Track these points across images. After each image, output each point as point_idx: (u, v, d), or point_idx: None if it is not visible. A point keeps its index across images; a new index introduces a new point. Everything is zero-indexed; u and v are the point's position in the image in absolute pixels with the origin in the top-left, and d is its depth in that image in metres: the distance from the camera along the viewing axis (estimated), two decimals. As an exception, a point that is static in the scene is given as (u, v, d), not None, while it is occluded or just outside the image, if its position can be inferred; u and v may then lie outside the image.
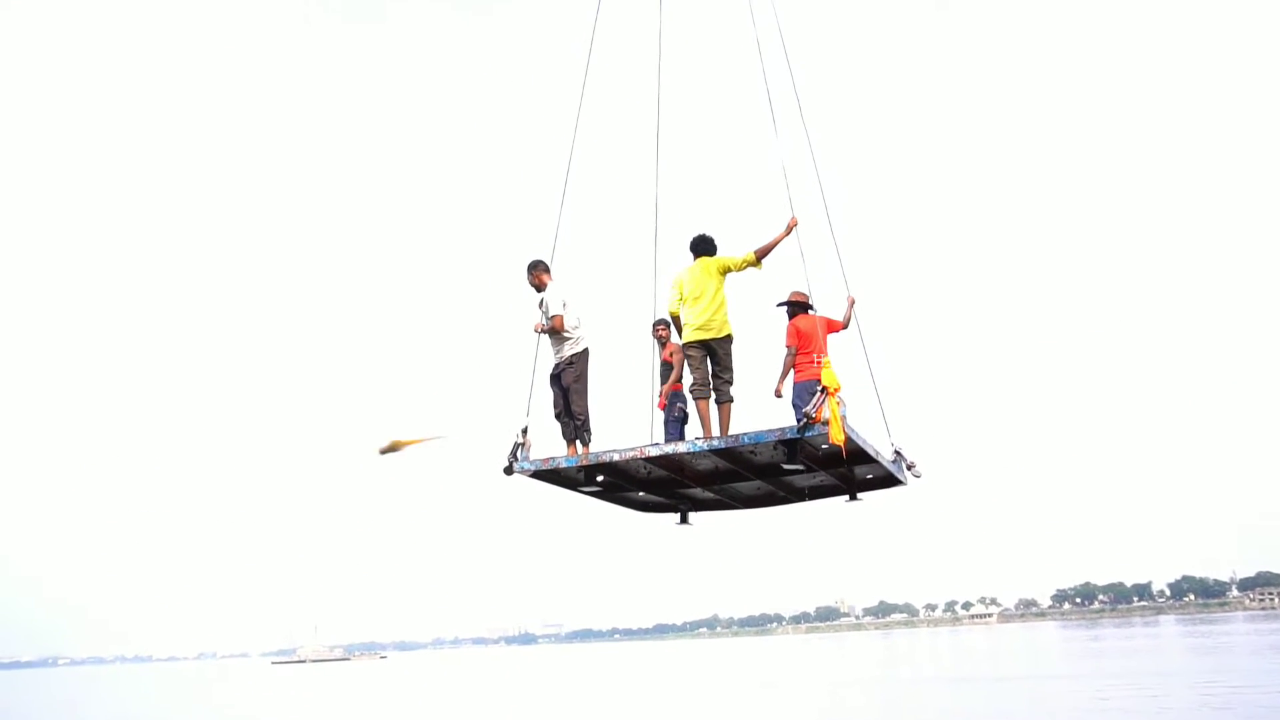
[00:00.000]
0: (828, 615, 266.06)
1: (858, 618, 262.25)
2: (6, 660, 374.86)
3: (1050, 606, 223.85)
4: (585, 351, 9.25)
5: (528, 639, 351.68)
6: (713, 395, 9.02)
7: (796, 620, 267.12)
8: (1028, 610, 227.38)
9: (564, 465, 8.55)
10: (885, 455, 8.82)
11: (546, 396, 9.17)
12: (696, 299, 9.09)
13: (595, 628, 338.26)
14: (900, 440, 9.19)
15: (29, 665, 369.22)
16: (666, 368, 9.89)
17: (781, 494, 9.33)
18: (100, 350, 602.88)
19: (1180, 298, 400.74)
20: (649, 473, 8.65)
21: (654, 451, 8.18)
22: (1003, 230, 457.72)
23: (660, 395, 9.73)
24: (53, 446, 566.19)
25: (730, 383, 8.98)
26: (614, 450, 8.40)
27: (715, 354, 9.06)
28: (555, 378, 9.18)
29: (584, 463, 8.52)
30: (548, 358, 9.31)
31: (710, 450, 8.13)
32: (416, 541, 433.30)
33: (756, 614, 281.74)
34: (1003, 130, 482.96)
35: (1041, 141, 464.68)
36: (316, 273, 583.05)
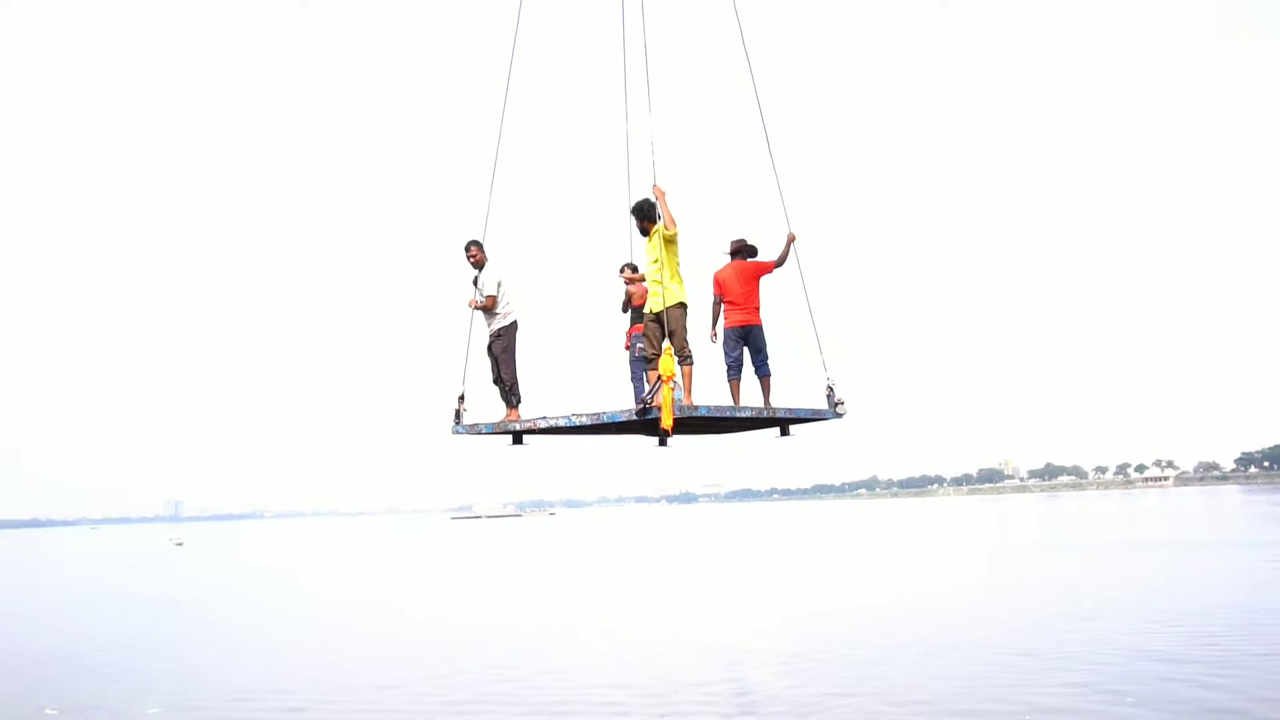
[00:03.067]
0: (990, 477, 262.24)
1: (1022, 480, 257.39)
2: (221, 513, 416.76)
3: (1234, 470, 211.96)
4: (514, 324, 9.97)
5: (688, 498, 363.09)
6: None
7: (958, 482, 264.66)
8: (1208, 474, 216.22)
9: (484, 431, 9.43)
10: (758, 409, 9.22)
11: (485, 364, 9.95)
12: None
13: (754, 488, 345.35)
14: (835, 376, 9.47)
15: (239, 517, 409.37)
16: (635, 312, 10.25)
17: (717, 429, 9.75)
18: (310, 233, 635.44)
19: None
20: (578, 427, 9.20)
21: (543, 424, 8.94)
22: (1022, 186, 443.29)
23: (628, 336, 10.26)
24: (264, 327, 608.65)
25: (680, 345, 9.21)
26: (515, 421, 9.35)
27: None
28: (489, 348, 9.94)
29: (498, 429, 9.38)
30: (483, 329, 10.02)
31: (581, 426, 8.80)
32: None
33: (916, 475, 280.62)
34: (999, 119, 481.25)
35: (1037, 127, 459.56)
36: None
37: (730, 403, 9.68)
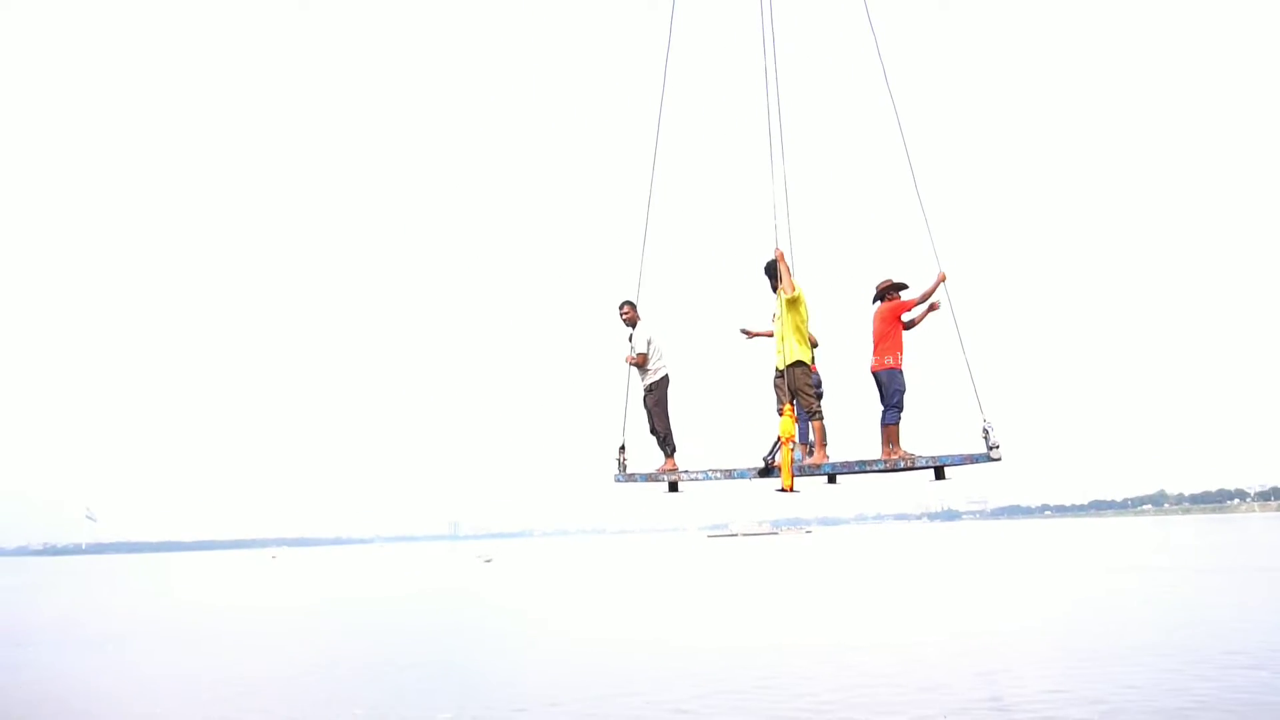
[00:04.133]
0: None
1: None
2: (495, 532, 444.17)
3: None
4: (665, 379, 10.60)
5: (951, 515, 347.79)
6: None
7: (1264, 496, 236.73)
8: None
9: (640, 480, 10.04)
10: (894, 461, 9.13)
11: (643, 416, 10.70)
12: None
13: (1023, 504, 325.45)
14: (991, 418, 8.84)
15: (511, 535, 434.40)
16: None
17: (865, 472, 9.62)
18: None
19: None
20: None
21: (686, 478, 9.76)
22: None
23: None
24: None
25: (803, 404, 9.62)
26: (665, 473, 10.02)
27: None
28: (644, 401, 10.65)
29: (650, 478, 9.98)
30: (639, 383, 10.72)
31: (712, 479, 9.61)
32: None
33: (1213, 489, 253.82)
34: (1011, 121, 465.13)
35: (1055, 130, 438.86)
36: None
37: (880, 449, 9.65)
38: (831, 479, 9.58)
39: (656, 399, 10.60)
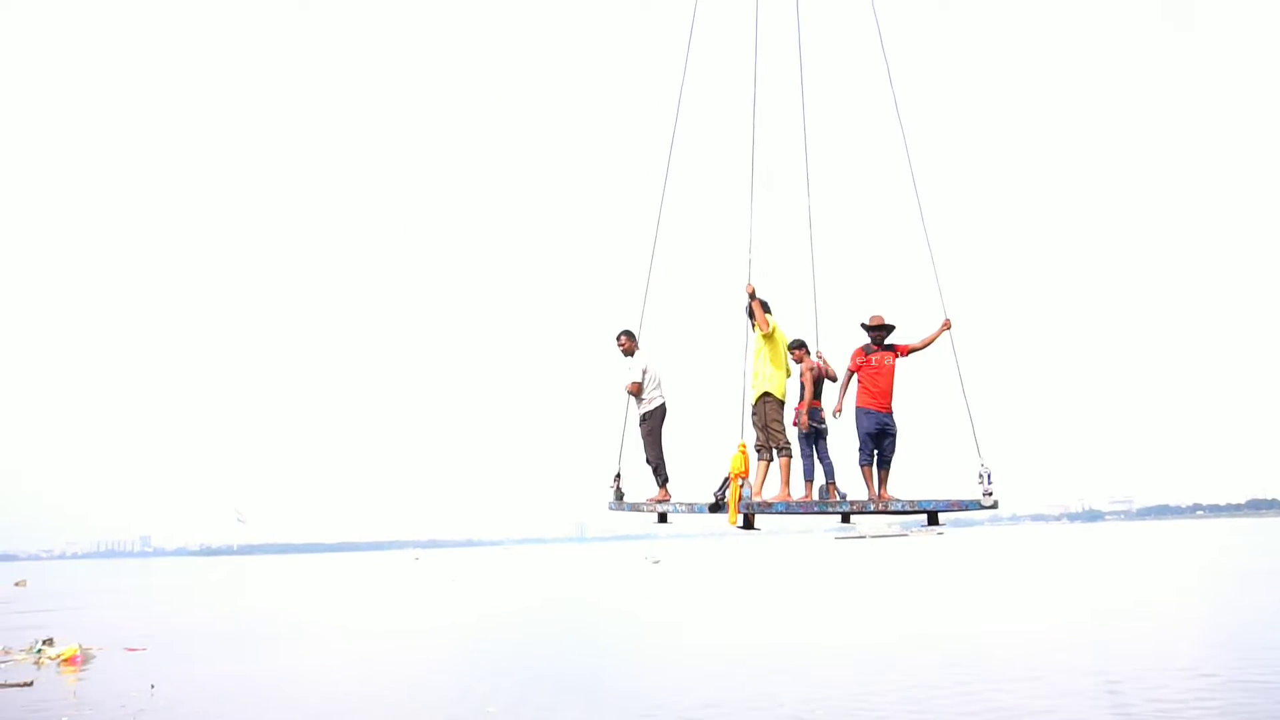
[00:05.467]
0: None
1: None
2: (621, 534, 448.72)
3: None
4: (658, 409, 10.51)
5: (1092, 516, 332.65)
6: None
7: None
8: None
9: (626, 509, 10.05)
10: (862, 503, 8.82)
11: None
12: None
13: (1172, 503, 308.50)
14: (991, 463, 8.33)
15: (636, 538, 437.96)
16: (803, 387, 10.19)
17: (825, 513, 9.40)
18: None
19: None
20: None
21: (662, 508, 9.74)
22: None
23: (795, 412, 9.98)
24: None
25: (771, 439, 9.42)
26: (645, 501, 10.03)
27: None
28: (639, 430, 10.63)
29: (635, 508, 10.01)
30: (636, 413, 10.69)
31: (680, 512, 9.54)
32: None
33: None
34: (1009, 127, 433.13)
35: (1047, 137, 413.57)
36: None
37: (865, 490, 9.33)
38: (845, 518, 9.50)
39: (650, 429, 10.57)
